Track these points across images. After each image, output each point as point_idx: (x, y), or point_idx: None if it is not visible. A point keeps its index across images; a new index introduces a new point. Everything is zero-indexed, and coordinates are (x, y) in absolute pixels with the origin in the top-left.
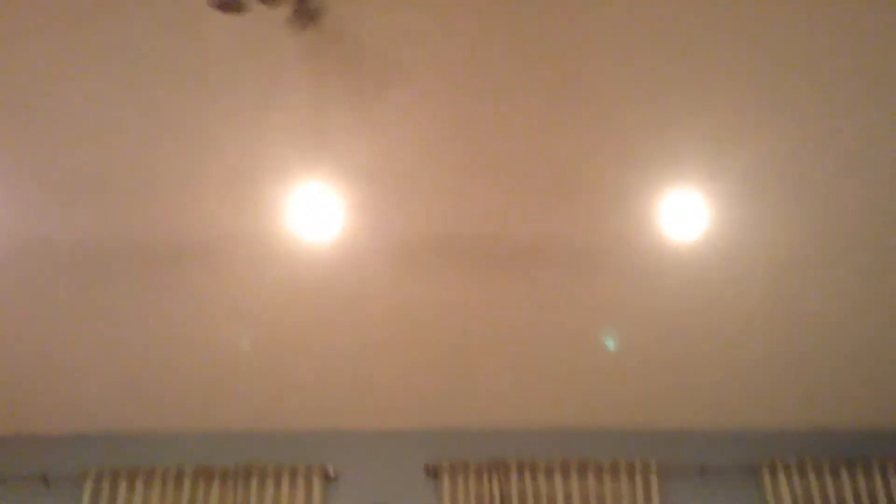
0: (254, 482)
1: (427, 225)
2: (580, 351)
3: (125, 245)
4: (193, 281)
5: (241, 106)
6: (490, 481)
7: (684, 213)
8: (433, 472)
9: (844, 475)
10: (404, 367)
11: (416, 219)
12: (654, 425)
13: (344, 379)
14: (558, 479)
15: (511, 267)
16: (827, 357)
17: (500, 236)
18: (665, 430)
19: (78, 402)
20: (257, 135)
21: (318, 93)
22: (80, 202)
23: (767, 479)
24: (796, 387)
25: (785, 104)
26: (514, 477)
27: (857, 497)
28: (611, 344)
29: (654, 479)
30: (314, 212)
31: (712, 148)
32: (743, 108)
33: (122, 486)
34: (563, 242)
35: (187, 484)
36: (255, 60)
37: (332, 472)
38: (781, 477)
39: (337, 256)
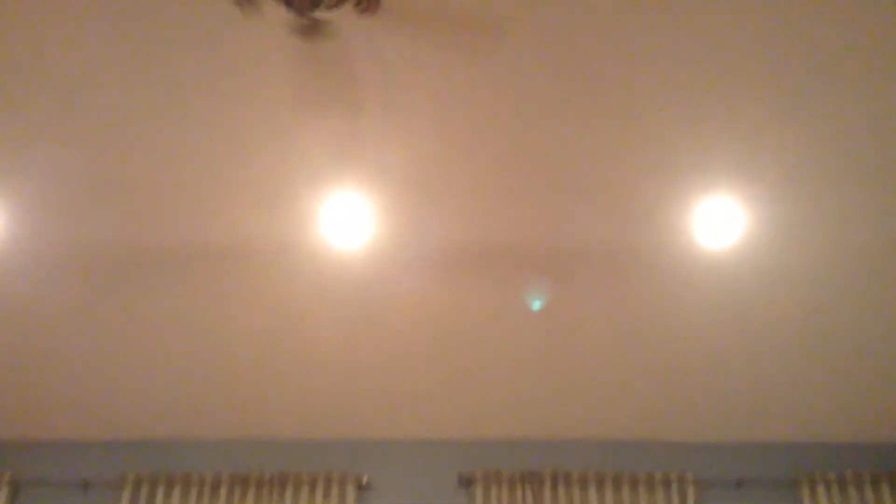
0: (288, 490)
1: (458, 232)
2: (614, 361)
3: (156, 250)
4: (225, 288)
5: (272, 112)
6: (523, 492)
7: (718, 219)
8: (466, 482)
9: (885, 489)
10: (437, 376)
11: (447, 226)
12: (691, 437)
13: (377, 388)
14: (593, 491)
15: (543, 274)
16: (866, 369)
17: (532, 243)
18: (701, 443)
19: (114, 408)
20: (288, 141)
21: (349, 99)
22: (112, 206)
23: (806, 492)
24: (836, 399)
25: (823, 106)
26: (547, 488)
27: None
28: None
29: (690, 492)
30: (345, 219)
31: (746, 152)
32: (778, 110)
33: (160, 493)
34: (596, 249)
35: (223, 491)
36: (287, 68)
37: (365, 481)
38: (821, 490)
39: (368, 264)
